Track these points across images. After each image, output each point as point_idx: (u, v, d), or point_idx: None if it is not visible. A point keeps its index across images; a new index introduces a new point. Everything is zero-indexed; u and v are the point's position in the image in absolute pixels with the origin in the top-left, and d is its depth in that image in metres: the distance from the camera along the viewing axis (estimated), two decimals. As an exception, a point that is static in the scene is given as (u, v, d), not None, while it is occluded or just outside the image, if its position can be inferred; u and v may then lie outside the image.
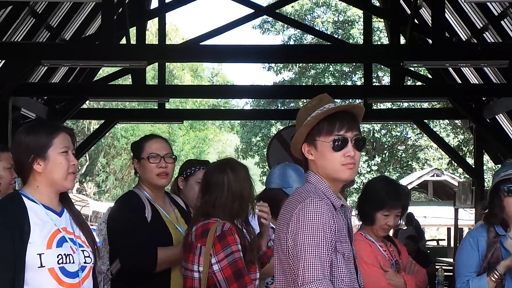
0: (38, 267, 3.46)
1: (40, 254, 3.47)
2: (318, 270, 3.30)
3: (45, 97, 14.13)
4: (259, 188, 5.40)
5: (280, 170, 5.22)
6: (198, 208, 4.50)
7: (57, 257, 3.51)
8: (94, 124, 27.87)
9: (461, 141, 30.52)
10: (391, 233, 5.52)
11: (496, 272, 4.47)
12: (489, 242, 4.63)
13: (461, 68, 14.40)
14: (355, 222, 5.55)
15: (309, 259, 3.31)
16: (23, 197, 3.60)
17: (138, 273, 4.70)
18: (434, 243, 25.71)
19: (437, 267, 11.25)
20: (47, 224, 3.56)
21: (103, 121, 15.56)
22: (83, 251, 3.65)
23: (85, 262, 3.64)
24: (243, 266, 4.22)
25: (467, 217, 19.51)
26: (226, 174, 4.41)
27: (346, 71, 34.43)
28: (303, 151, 3.53)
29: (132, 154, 5.05)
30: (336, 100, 3.66)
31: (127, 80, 19.70)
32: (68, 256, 3.55)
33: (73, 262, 3.56)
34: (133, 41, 12.71)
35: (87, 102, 14.45)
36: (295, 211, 3.41)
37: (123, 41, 12.82)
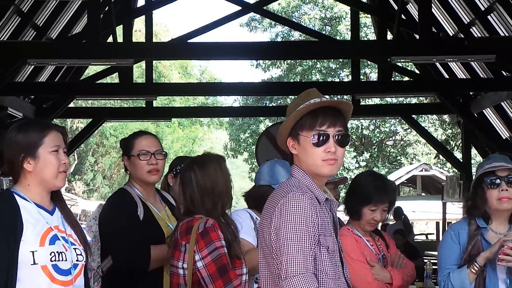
0: (31, 265, 3.46)
1: (33, 252, 3.47)
2: (301, 263, 3.31)
3: (32, 96, 14.09)
4: (248, 184, 5.39)
5: (269, 167, 5.22)
6: (183, 207, 4.50)
7: (50, 254, 3.51)
8: (82, 123, 27.81)
9: (449, 135, 30.58)
10: (379, 227, 5.51)
11: (476, 264, 4.48)
12: (470, 234, 4.64)
13: (449, 63, 14.44)
14: (344, 217, 5.53)
15: (292, 253, 3.32)
16: (15, 195, 3.60)
17: (130, 271, 4.70)
18: (423, 237, 25.77)
19: (425, 260, 11.26)
20: (39, 222, 3.56)
21: (90, 119, 15.53)
22: (75, 249, 3.65)
23: (77, 260, 3.64)
24: (227, 261, 4.23)
25: (456, 211, 19.54)
26: (193, 171, 4.42)
27: (334, 67, 34.45)
28: (288, 145, 3.54)
29: (121, 151, 5.04)
30: (325, 96, 3.65)
31: (114, 79, 19.65)
32: (60, 254, 3.55)
33: (66, 260, 3.57)
34: (120, 39, 12.69)
35: (74, 100, 14.39)
36: (278, 205, 3.42)
37: (110, 39, 12.81)
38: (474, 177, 4.73)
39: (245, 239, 4.93)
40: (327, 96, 3.67)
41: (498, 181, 4.58)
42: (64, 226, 3.68)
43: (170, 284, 4.41)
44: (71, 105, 14.58)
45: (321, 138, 3.45)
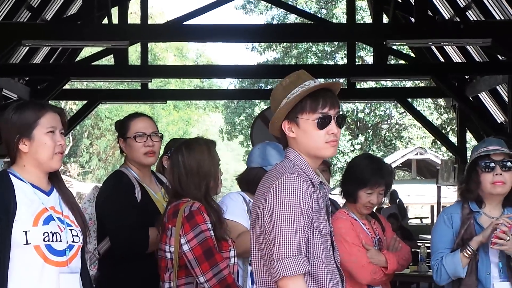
0: (24, 244, 3.46)
1: (25, 231, 3.46)
2: (293, 246, 3.31)
3: (27, 78, 14.07)
4: (243, 167, 5.39)
5: (260, 149, 5.21)
6: (171, 189, 4.51)
7: (43, 234, 3.51)
8: (76, 105, 27.75)
9: (444, 120, 30.59)
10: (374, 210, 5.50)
11: (469, 248, 4.49)
12: (463, 218, 4.64)
13: (444, 46, 14.43)
14: (340, 200, 5.53)
15: (285, 235, 3.32)
16: (10, 175, 3.60)
17: (128, 253, 4.70)
18: (418, 221, 25.81)
19: (419, 244, 11.31)
20: (34, 202, 3.56)
21: (85, 101, 15.50)
22: (71, 230, 3.64)
23: (73, 241, 3.63)
24: (213, 244, 4.23)
25: (450, 194, 19.55)
26: (181, 153, 4.43)
27: (329, 51, 34.39)
28: (283, 128, 3.52)
29: (117, 133, 5.03)
30: (319, 79, 3.65)
31: (110, 60, 19.59)
32: (55, 234, 3.54)
33: (60, 241, 3.56)
34: (115, 21, 12.65)
35: (69, 82, 14.36)
36: (272, 187, 3.42)
37: (105, 21, 12.77)
38: (468, 160, 4.73)
39: (238, 221, 4.93)
40: (321, 80, 3.67)
41: (492, 164, 4.58)
42: (61, 207, 3.67)
43: (159, 267, 4.41)
44: (66, 86, 14.56)
45: (324, 121, 3.45)
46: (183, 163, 4.40)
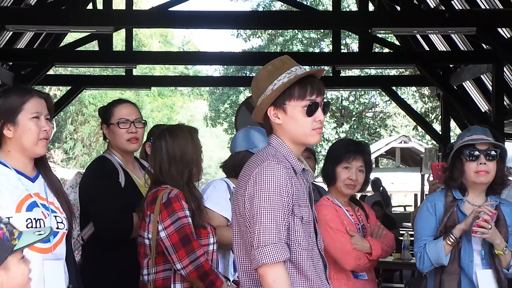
0: None
1: (8, 218, 3.42)
2: (273, 233, 3.31)
3: (10, 63, 13.98)
4: (227, 154, 5.38)
5: (244, 133, 5.21)
6: (152, 175, 4.51)
7: (26, 221, 3.48)
8: (61, 91, 27.63)
9: (428, 109, 30.67)
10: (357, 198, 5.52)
11: (452, 235, 4.50)
12: (446, 206, 4.65)
13: (429, 35, 14.45)
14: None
15: (264, 222, 3.32)
16: None
17: (112, 238, 4.69)
18: (401, 209, 25.91)
19: (403, 232, 11.35)
20: (17, 188, 3.54)
21: (69, 87, 15.44)
22: (55, 216, 3.62)
23: (57, 228, 3.61)
24: (190, 232, 4.23)
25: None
26: (164, 139, 4.44)
27: (315, 38, 34.38)
28: (269, 114, 3.49)
29: (100, 119, 5.02)
30: (304, 67, 3.64)
31: (94, 46, 19.51)
32: (38, 221, 3.52)
33: (44, 227, 3.51)
34: (99, 6, 12.59)
35: (53, 68, 14.29)
36: (252, 174, 3.41)
37: (90, 6, 12.71)
38: (453, 148, 4.73)
39: (218, 212, 4.94)
40: (306, 67, 3.65)
41: (477, 153, 4.58)
42: (46, 194, 3.65)
43: (138, 254, 4.42)
44: (50, 72, 14.48)
45: (312, 108, 3.44)
46: (167, 150, 4.40)
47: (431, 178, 5.59)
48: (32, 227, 3.48)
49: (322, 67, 16.39)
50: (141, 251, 4.38)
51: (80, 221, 4.83)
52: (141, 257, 4.39)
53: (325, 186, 5.25)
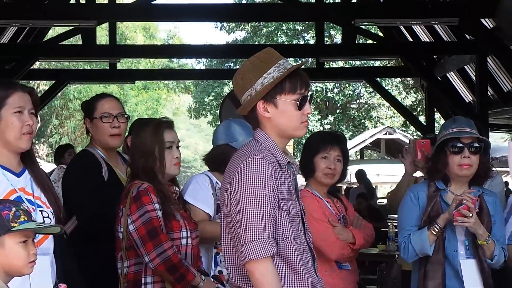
0: None
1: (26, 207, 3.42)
2: (259, 229, 3.32)
3: (-6, 58, 13.92)
4: (211, 147, 5.40)
5: (225, 126, 5.26)
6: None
7: None
8: (45, 85, 27.53)
9: (414, 100, 30.74)
10: (343, 191, 5.55)
11: (436, 225, 4.52)
12: (429, 196, 4.67)
13: (412, 26, 14.47)
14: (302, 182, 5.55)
15: (250, 218, 3.33)
16: None
17: (95, 231, 4.70)
18: (386, 201, 25.94)
19: (388, 223, 11.38)
20: (1, 184, 3.52)
21: (53, 81, 15.40)
22: (41, 211, 3.60)
23: (43, 223, 3.58)
24: (158, 225, 4.26)
25: (419, 173, 19.71)
26: (131, 134, 4.50)
27: (299, 29, 34.37)
28: (258, 108, 3.48)
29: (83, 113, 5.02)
30: (289, 59, 3.65)
31: (78, 40, 19.44)
32: None
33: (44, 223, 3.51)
34: (82, 0, 12.56)
35: (37, 62, 14.25)
36: (237, 170, 3.42)
37: (73, 0, 12.67)
38: (437, 139, 4.75)
39: (199, 207, 4.96)
40: (291, 59, 3.66)
41: (460, 145, 4.61)
42: (32, 189, 3.63)
43: (115, 248, 4.45)
44: (34, 66, 14.44)
45: (303, 101, 3.47)
46: (133, 145, 4.50)
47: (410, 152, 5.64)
48: None
49: (306, 59, 16.39)
50: (118, 245, 4.41)
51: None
52: (117, 251, 4.43)
53: (302, 180, 5.26)
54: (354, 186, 17.37)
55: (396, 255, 7.00)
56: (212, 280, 4.50)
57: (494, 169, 4.99)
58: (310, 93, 3.53)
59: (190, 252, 4.42)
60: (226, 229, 3.53)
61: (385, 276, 7.47)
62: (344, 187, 19.01)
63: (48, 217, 3.64)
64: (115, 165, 4.94)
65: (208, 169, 5.28)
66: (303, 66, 3.63)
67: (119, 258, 4.40)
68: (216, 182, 5.01)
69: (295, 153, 27.82)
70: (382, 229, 11.62)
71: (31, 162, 3.72)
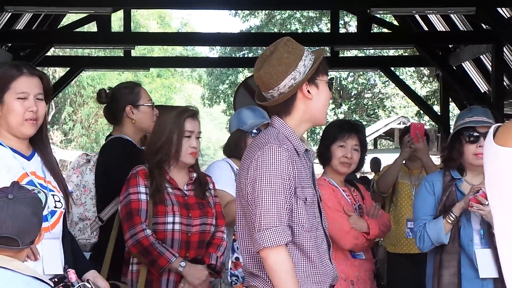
0: None
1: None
2: (275, 216, 3.34)
3: (9, 44, 13.94)
4: (225, 135, 5.49)
5: (235, 114, 5.41)
6: None
7: None
8: (60, 72, 27.58)
9: (429, 90, 30.63)
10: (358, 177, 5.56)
11: (451, 214, 4.52)
12: (445, 185, 4.67)
13: (428, 15, 14.40)
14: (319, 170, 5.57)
15: (266, 206, 3.34)
16: None
17: None
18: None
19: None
20: (14, 167, 3.50)
21: (68, 68, 15.41)
22: (53, 195, 3.59)
23: (55, 207, 3.59)
24: (136, 208, 4.39)
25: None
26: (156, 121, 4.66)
27: (313, 16, 34.26)
28: (302, 91, 3.49)
29: (116, 101, 5.03)
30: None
31: (92, 27, 19.46)
32: None
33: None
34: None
35: (52, 49, 14.26)
36: (254, 157, 3.43)
37: (88, -13, 12.64)
38: (453, 129, 4.74)
39: (226, 190, 4.99)
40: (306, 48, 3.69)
41: (477, 135, 4.59)
42: (44, 173, 3.61)
43: None
44: (49, 53, 14.46)
45: (331, 83, 3.59)
46: (154, 127, 4.65)
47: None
48: None
49: (321, 48, 16.28)
50: None
51: (98, 202, 4.86)
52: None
53: (320, 167, 5.28)
54: (369, 175, 17.33)
55: (380, 240, 7.04)
56: (205, 267, 4.48)
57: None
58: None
59: (178, 238, 4.44)
60: (242, 216, 3.55)
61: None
62: (358, 176, 18.97)
63: (59, 201, 3.63)
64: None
65: (225, 156, 5.35)
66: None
67: None
68: (236, 168, 5.04)
69: (309, 143, 27.77)
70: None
71: (41, 145, 3.67)
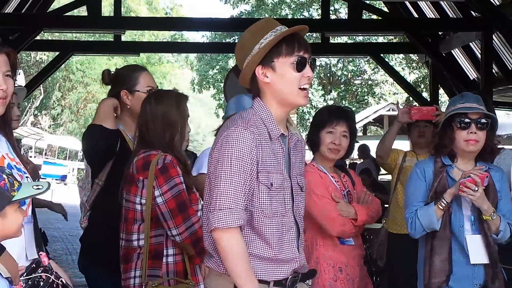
0: None
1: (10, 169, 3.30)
2: (231, 198, 3.32)
3: (-2, 28, 13.88)
4: (214, 121, 5.46)
5: (235, 98, 5.43)
6: (135, 138, 4.55)
7: None
8: (49, 56, 27.48)
9: (417, 77, 30.66)
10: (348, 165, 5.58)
11: (443, 200, 4.53)
12: (436, 171, 4.68)
13: (418, 2, 14.40)
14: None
15: (223, 187, 3.33)
16: None
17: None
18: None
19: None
20: None
21: (57, 53, 15.35)
22: (27, 177, 3.47)
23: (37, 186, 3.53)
24: (186, 198, 4.26)
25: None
26: (149, 102, 4.47)
27: (303, 2, 34.24)
28: (257, 73, 3.47)
29: (116, 83, 4.97)
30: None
31: (82, 12, 19.39)
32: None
33: (41, 181, 3.34)
34: (88, -29, 12.50)
35: (41, 33, 14.19)
36: (220, 137, 3.43)
37: (78, -29, 12.60)
38: (445, 115, 4.75)
39: None
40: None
41: (468, 121, 4.60)
42: (13, 154, 3.48)
43: (125, 219, 4.42)
44: (38, 37, 14.40)
45: (301, 62, 3.44)
46: (150, 111, 4.43)
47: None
48: None
49: (314, 34, 16.33)
50: (130, 216, 4.37)
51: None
52: (129, 223, 4.38)
53: (310, 153, 5.29)
54: (358, 161, 17.35)
55: (384, 220, 7.07)
56: None
57: (500, 146, 4.99)
58: (311, 57, 3.50)
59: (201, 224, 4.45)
60: (208, 195, 3.52)
61: (373, 239, 7.56)
62: (348, 162, 19.00)
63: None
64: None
65: None
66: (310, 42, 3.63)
67: (135, 229, 4.35)
68: None
69: (298, 129, 27.77)
70: (386, 205, 11.61)
71: (5, 127, 3.51)
